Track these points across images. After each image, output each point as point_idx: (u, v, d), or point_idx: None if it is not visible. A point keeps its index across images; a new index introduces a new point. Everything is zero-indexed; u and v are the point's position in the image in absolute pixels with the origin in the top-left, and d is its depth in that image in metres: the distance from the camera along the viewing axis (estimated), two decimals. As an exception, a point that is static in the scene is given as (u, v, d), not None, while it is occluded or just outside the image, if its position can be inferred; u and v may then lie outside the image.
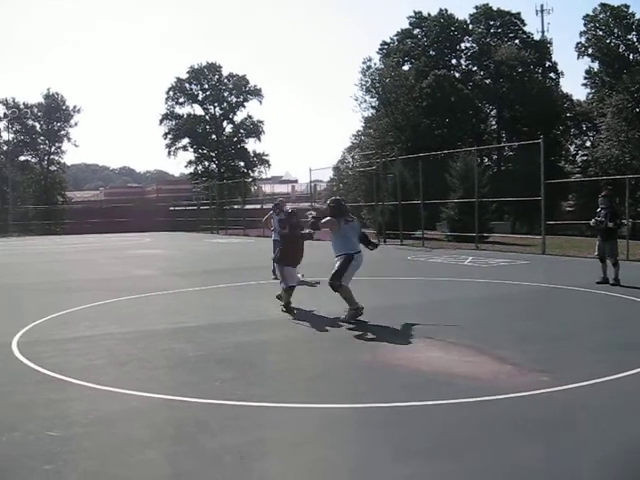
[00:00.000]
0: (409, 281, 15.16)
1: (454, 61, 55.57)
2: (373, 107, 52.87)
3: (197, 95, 72.35)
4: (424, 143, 42.59)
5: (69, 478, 4.46)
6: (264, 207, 40.90)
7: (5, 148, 67.89)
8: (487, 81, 53.69)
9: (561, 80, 55.81)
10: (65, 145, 72.60)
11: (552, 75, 54.83)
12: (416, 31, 54.41)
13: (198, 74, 71.72)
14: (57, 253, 28.84)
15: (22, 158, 71.94)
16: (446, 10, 53.62)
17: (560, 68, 55.81)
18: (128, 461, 4.70)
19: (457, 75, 53.70)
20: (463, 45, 55.29)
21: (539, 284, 13.67)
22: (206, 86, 72.20)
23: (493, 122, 55.52)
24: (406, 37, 54.30)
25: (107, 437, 5.22)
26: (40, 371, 7.29)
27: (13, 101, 70.21)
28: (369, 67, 50.64)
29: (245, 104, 73.32)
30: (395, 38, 55.29)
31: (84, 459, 4.76)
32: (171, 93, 71.87)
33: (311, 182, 41.12)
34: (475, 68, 55.28)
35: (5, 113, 68.98)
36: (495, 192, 28.56)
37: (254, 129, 73.39)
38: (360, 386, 6.46)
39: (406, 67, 53.19)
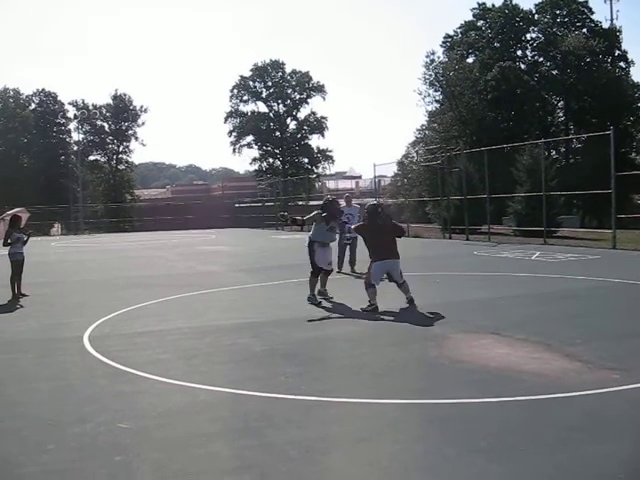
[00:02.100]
0: (475, 276, 14.92)
1: (519, 52, 54.39)
2: (437, 101, 52.35)
3: (261, 92, 73.05)
4: (489, 136, 41.93)
5: (139, 469, 4.55)
6: None
7: (75, 148, 69.83)
8: (554, 72, 52.37)
9: (631, 69, 54.22)
10: (133, 144, 74.56)
11: (622, 64, 53.06)
12: (480, 23, 53.52)
13: (262, 71, 72.39)
14: (125, 250, 29.55)
15: (92, 158, 74.01)
16: (511, 0, 52.60)
17: (630, 57, 54.02)
18: (195, 453, 4.76)
19: (523, 66, 52.54)
20: (529, 36, 54.06)
21: (610, 279, 13.22)
22: (270, 83, 72.83)
23: (560, 114, 54.16)
24: (470, 29, 53.49)
25: (175, 430, 5.31)
26: (110, 364, 7.49)
27: (83, 102, 72.36)
28: (432, 61, 50.13)
29: (308, 100, 73.82)
30: (459, 31, 54.54)
31: (153, 451, 4.86)
32: (235, 91, 72.81)
33: (375, 177, 40.95)
34: (541, 59, 53.99)
35: (75, 114, 71.05)
36: (563, 185, 27.89)
37: (318, 125, 73.65)
38: (425, 382, 6.41)
39: (470, 60, 52.38)
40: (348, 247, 16.17)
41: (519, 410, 5.49)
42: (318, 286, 11.95)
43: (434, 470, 4.37)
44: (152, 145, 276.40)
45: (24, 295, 13.46)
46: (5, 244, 13.72)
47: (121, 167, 74.75)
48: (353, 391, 6.06)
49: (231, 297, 12.88)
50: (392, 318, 9.74)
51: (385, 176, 54.17)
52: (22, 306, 12.53)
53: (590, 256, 18.60)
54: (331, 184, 75.03)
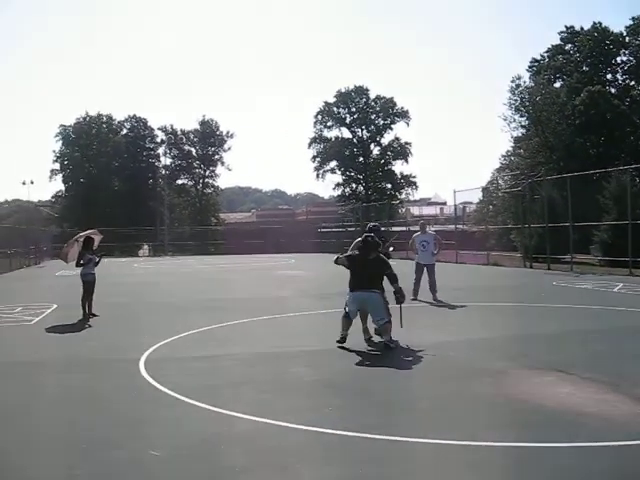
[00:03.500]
0: (548, 308, 14.25)
1: (609, 76, 52.61)
2: (523, 126, 51.10)
3: (345, 118, 73.43)
4: (577, 163, 40.54)
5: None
6: (410, 229, 41.07)
7: (163, 172, 71.91)
8: (646, 96, 50.47)
9: None
10: (219, 169, 76.15)
11: None
12: (568, 46, 52.15)
13: (346, 97, 72.82)
14: (203, 273, 30.00)
15: (179, 181, 76.02)
16: (600, 23, 50.98)
17: None
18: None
19: (613, 91, 50.82)
20: (619, 59, 52.26)
21: None
22: (353, 109, 73.14)
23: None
24: (557, 53, 52.14)
25: (205, 460, 5.16)
26: (159, 388, 7.44)
27: (171, 127, 74.54)
28: (518, 85, 49.02)
29: (392, 126, 73.54)
30: (546, 55, 53.30)
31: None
32: (319, 117, 73.46)
33: (459, 204, 40.28)
34: (633, 83, 52.08)
35: (162, 139, 73.27)
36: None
37: (401, 151, 73.35)
38: (477, 421, 5.99)
39: (557, 84, 51.06)
40: (426, 274, 15.78)
41: (577, 457, 5.05)
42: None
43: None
44: (238, 169, 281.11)
45: (94, 315, 13.68)
46: (78, 265, 14.04)
47: (207, 191, 76.43)
48: (399, 428, 5.76)
49: (295, 323, 12.74)
50: (452, 352, 9.33)
51: (470, 203, 53.36)
52: (90, 326, 12.74)
53: (680, 290, 17.47)
54: (415, 210, 74.49)
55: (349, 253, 10.32)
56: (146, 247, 63.36)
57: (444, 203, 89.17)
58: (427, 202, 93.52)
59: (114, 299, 17.35)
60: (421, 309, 14.35)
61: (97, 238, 14.82)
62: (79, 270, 14.11)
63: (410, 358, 8.94)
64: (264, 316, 13.37)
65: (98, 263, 14.32)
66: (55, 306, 15.56)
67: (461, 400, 6.77)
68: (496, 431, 5.66)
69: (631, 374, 7.69)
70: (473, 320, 12.78)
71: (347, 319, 9.79)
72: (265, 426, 5.96)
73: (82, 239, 14.27)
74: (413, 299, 15.38)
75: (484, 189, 46.93)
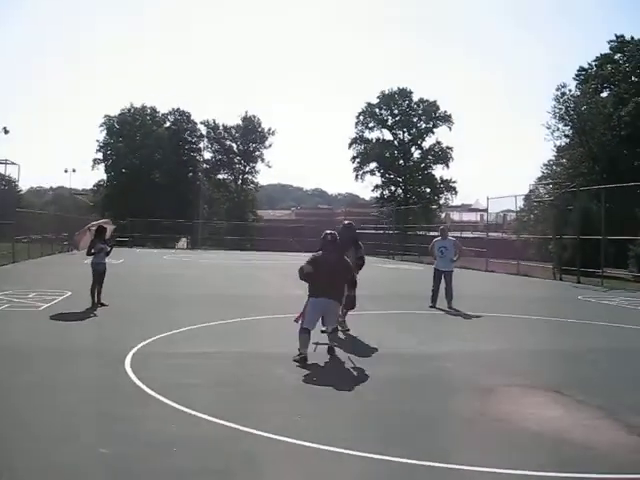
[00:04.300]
0: (566, 323, 13.68)
1: (659, 87, 51.23)
2: (566, 135, 49.97)
3: (387, 120, 72.90)
4: (622, 175, 39.44)
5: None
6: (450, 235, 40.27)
7: (204, 166, 72.31)
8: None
9: None
10: (259, 165, 76.25)
11: None
12: (617, 56, 50.81)
13: (388, 99, 72.29)
14: (230, 268, 29.92)
15: (219, 176, 76.36)
16: (653, 33, 49.78)
17: None
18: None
19: (662, 103, 49.43)
20: (670, 70, 50.84)
21: None
22: (396, 111, 72.56)
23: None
24: (606, 62, 50.75)
25: (151, 462, 4.97)
26: (135, 383, 7.28)
27: (214, 122, 74.92)
28: (563, 94, 47.96)
29: (434, 130, 72.77)
30: (594, 63, 52.01)
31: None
32: (361, 117, 73.04)
33: (500, 212, 39.62)
34: (682, 95, 50.60)
35: (204, 133, 73.75)
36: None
37: (442, 155, 72.51)
38: (448, 441, 5.66)
39: (604, 94, 49.81)
40: (444, 281, 15.39)
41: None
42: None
43: None
44: (280, 167, 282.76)
45: (103, 305, 13.62)
46: (89, 253, 13.98)
47: (246, 187, 76.64)
48: (361, 443, 5.41)
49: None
50: (450, 363, 8.95)
51: (512, 210, 52.41)
52: (95, 315, 12.67)
53: None
54: (455, 216, 73.69)
55: (311, 257, 9.21)
56: (184, 240, 63.81)
57: (485, 210, 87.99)
58: (468, 208, 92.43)
59: (129, 290, 17.34)
60: (432, 317, 14.00)
61: (110, 227, 14.78)
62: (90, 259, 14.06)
63: (404, 369, 8.59)
64: (274, 314, 13.14)
65: (109, 253, 14.27)
66: (69, 294, 15.54)
67: (439, 417, 6.41)
68: (467, 453, 5.30)
69: (631, 400, 7.23)
70: (484, 331, 12.37)
71: (306, 335, 8.72)
72: (226, 430, 5.72)
73: (94, 228, 14.21)
74: (431, 306, 15.06)
75: (526, 197, 46.07)
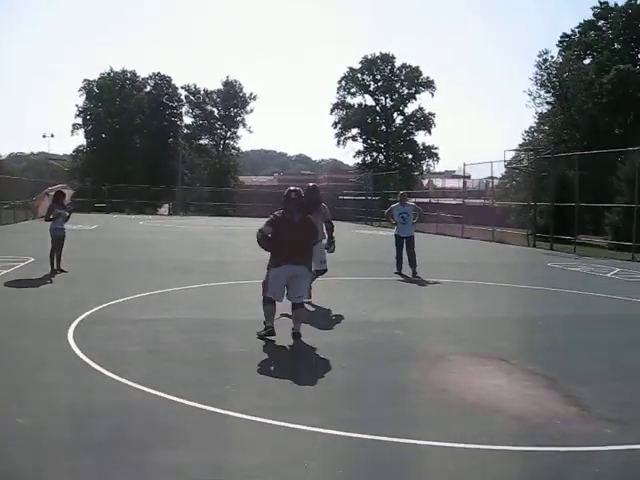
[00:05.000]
0: (528, 290, 13.56)
1: (641, 55, 50.91)
2: (548, 103, 49.71)
3: (369, 86, 72.05)
4: (602, 142, 39.28)
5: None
6: (432, 201, 40.85)
7: (185, 131, 71.48)
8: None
9: None
10: (240, 131, 75.43)
11: None
12: (600, 22, 50.39)
13: (371, 64, 71.39)
14: (203, 234, 29.67)
15: (200, 142, 75.58)
16: (635, 0, 49.14)
17: None
18: (62, 465, 4.24)
19: (645, 70, 49.14)
20: (652, 37, 50.43)
21: None
22: (378, 77, 71.68)
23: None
24: (589, 29, 50.36)
25: (69, 432, 4.80)
26: (73, 351, 7.12)
27: (195, 87, 73.89)
28: (545, 60, 47.60)
29: (417, 96, 72.01)
30: (577, 30, 51.58)
31: (25, 454, 4.38)
32: (343, 83, 72.19)
33: (483, 179, 39.48)
34: (665, 63, 50.32)
35: (185, 98, 72.80)
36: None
37: (424, 122, 71.91)
38: (379, 411, 5.49)
39: (587, 61, 49.48)
40: (405, 247, 15.20)
41: (469, 459, 4.56)
42: None
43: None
44: (263, 133, 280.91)
45: (63, 271, 13.39)
46: (47, 219, 13.68)
47: (228, 153, 75.91)
48: (288, 413, 5.24)
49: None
50: (400, 331, 8.79)
51: (494, 177, 52.24)
52: (51, 281, 12.47)
53: (678, 280, 16.65)
54: (438, 182, 73.37)
55: (271, 217, 8.14)
56: (166, 206, 63.28)
57: (468, 177, 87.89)
58: (451, 175, 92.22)
59: (93, 255, 17.11)
60: (395, 284, 13.84)
61: (68, 192, 14.46)
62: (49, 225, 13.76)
63: (352, 335, 8.43)
64: (236, 281, 12.99)
65: (68, 218, 13.98)
66: (31, 260, 15.24)
67: (376, 386, 6.23)
68: (393, 423, 5.16)
69: (577, 369, 7.17)
70: (442, 298, 12.26)
71: (271, 305, 7.94)
72: (156, 399, 5.55)
73: (52, 193, 13.89)
74: (396, 273, 14.91)
75: (506, 165, 45.94)
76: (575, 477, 4.36)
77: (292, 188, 8.32)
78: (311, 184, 11.29)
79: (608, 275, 16.72)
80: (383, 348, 7.84)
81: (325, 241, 10.41)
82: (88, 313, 9.08)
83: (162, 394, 5.63)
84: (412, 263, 14.93)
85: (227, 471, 4.23)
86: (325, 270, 10.46)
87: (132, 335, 8.01)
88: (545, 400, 5.84)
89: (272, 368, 6.70)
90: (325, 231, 10.39)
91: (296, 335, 7.85)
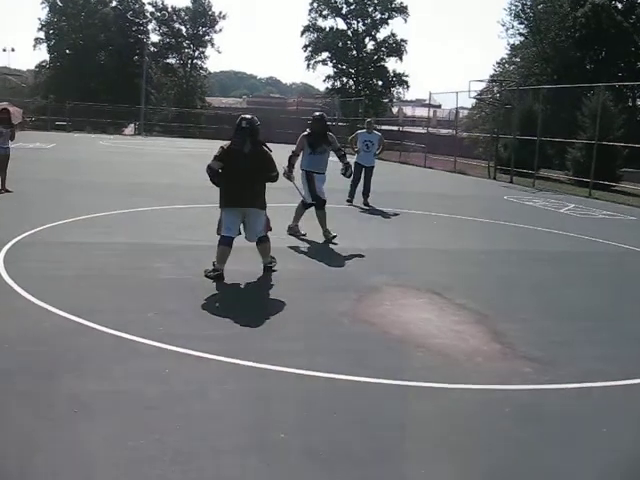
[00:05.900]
0: (477, 223, 13.48)
1: (618, -11, 50.05)
2: (521, 34, 49.05)
3: (341, 8, 70.04)
4: (572, 77, 38.93)
5: None
6: (401, 129, 41.06)
7: (152, 49, 69.38)
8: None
9: None
10: (208, 50, 73.50)
11: None
12: (580, -48, 49.32)
13: (344, -15, 69.41)
14: (163, 155, 29.11)
15: (167, 61, 73.53)
16: None
17: None
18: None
19: (619, 6, 48.43)
20: (631, -28, 49.56)
21: (632, 247, 11.51)
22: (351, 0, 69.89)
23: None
24: (568, -42, 49.38)
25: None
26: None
27: (162, 3, 71.43)
28: (521, -10, 46.76)
29: (389, 21, 70.44)
30: (555, -41, 50.42)
31: None
32: (315, 4, 70.13)
33: (453, 109, 39.07)
34: (640, 0, 49.62)
35: (151, 14, 70.42)
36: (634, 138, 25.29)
37: (396, 48, 70.47)
38: (293, 344, 5.38)
39: (563, -8, 48.61)
40: (363, 176, 15.00)
41: (372, 395, 4.51)
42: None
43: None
44: (233, 54, 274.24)
45: (7, 191, 13.08)
46: (-11, 138, 13.23)
47: (195, 73, 74.08)
48: (204, 343, 5.13)
49: (207, 215, 11.97)
50: (338, 262, 8.70)
51: (464, 108, 51.80)
52: (-9, 201, 12.08)
53: (631, 217, 16.76)
54: (408, 110, 72.60)
55: (220, 149, 7.45)
56: (132, 126, 61.85)
57: (438, 106, 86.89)
58: (422, 103, 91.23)
59: (42, 175, 16.66)
60: (339, 212, 13.54)
61: (14, 110, 13.95)
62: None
63: (291, 266, 8.29)
64: (184, 205, 12.75)
65: (12, 137, 13.56)
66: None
67: (299, 317, 6.13)
68: (308, 357, 5.08)
69: (511, 305, 7.16)
70: (386, 229, 12.19)
71: (226, 246, 7.19)
72: (72, 325, 5.44)
73: (-3, 111, 13.41)
74: (348, 201, 14.74)
75: (478, 95, 45.52)
76: (483, 415, 4.33)
77: (244, 116, 7.52)
78: (317, 113, 10.97)
79: (561, 211, 16.72)
80: (316, 279, 7.73)
81: (342, 168, 10.82)
82: (23, 235, 8.83)
83: (80, 320, 5.51)
84: (366, 193, 14.79)
85: (128, 399, 4.11)
86: (324, 201, 10.21)
87: (63, 259, 7.83)
88: (471, 337, 5.79)
89: (198, 296, 6.53)
90: (339, 159, 10.65)
91: (266, 269, 7.59)
